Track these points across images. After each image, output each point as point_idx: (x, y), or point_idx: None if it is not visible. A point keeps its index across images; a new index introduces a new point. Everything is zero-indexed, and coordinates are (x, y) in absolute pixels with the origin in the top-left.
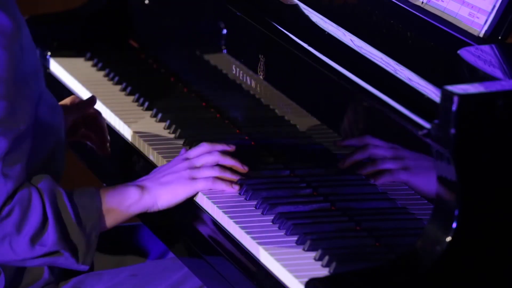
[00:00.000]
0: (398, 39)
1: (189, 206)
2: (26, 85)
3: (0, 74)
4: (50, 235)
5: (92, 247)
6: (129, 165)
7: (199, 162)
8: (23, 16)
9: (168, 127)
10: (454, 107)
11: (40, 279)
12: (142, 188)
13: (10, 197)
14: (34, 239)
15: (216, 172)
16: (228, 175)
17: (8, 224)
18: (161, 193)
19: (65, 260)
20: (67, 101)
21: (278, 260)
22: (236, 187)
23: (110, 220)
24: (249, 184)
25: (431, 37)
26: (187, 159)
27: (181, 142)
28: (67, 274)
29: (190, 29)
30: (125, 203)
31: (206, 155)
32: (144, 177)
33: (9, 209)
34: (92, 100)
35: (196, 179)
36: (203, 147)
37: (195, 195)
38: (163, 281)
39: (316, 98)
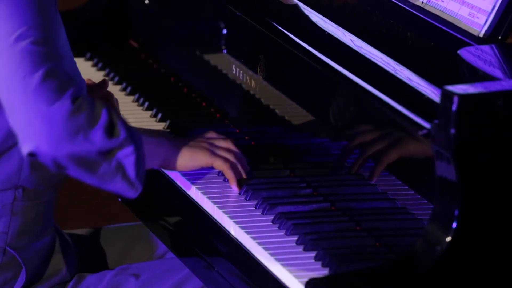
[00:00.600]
0: (398, 39)
1: (189, 206)
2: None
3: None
4: (122, 130)
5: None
6: None
7: (219, 143)
8: None
9: (168, 127)
10: (454, 107)
11: (58, 275)
12: (169, 142)
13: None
14: (107, 130)
15: (232, 157)
16: (239, 168)
17: (80, 117)
18: (184, 153)
19: (126, 168)
20: None
21: (278, 260)
22: (237, 189)
23: (149, 162)
24: (249, 184)
25: (431, 37)
26: (207, 137)
27: None
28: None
29: (190, 29)
30: (158, 150)
31: (224, 141)
32: (169, 136)
33: (79, 104)
34: (104, 83)
35: (215, 154)
36: (221, 136)
37: (196, 195)
38: (166, 281)
39: (316, 98)
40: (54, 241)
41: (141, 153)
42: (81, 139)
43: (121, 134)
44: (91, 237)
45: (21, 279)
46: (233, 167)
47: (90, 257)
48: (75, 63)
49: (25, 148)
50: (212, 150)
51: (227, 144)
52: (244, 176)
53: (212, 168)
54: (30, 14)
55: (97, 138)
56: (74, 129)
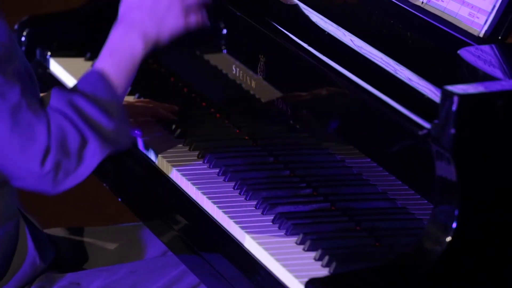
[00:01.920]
0: (398, 39)
1: (189, 206)
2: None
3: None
4: (96, 147)
5: (127, 126)
6: (129, 165)
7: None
8: (24, 16)
9: (168, 127)
10: (454, 107)
11: (29, 262)
12: (144, 38)
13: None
14: (81, 153)
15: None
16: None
17: (54, 156)
18: (162, 32)
19: (116, 148)
20: None
21: (278, 260)
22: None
23: (127, 85)
24: (249, 184)
25: (431, 37)
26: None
27: (181, 142)
28: (59, 263)
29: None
30: (134, 65)
31: None
32: (133, 16)
33: (48, 143)
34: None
35: (188, 14)
36: None
37: (196, 195)
38: (162, 277)
39: (316, 98)
40: (18, 226)
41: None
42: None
43: (94, 149)
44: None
45: None
46: (203, 20)
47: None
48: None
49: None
50: (183, 4)
51: None
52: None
53: (212, 168)
54: None
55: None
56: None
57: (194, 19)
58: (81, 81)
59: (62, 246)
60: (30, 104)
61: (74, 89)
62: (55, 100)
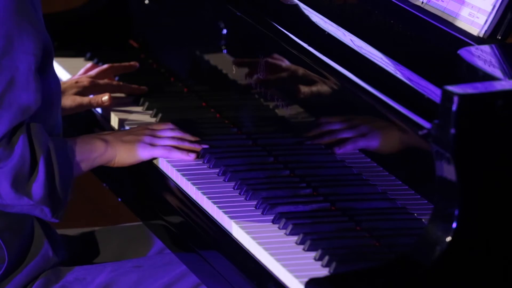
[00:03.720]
0: (398, 39)
1: (189, 206)
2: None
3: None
4: (38, 189)
5: (66, 203)
6: (129, 165)
7: (160, 133)
8: None
9: None
10: (454, 107)
11: (43, 256)
12: (105, 142)
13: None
14: (20, 186)
15: (174, 142)
16: (187, 145)
17: None
18: (121, 150)
19: (41, 213)
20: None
21: (278, 260)
22: (193, 156)
23: (77, 171)
24: (249, 184)
25: (431, 37)
26: (149, 128)
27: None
28: (71, 256)
29: (190, 29)
30: (92, 155)
31: (169, 131)
32: (105, 132)
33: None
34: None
35: (155, 145)
36: (169, 124)
37: (196, 195)
38: (164, 275)
39: (316, 98)
40: (33, 222)
41: (62, 201)
42: None
43: (37, 191)
44: (88, 237)
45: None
46: (178, 148)
47: (87, 257)
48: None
49: None
50: (152, 142)
51: (170, 133)
52: (196, 148)
53: (212, 168)
54: None
55: (5, 192)
56: None
57: (159, 152)
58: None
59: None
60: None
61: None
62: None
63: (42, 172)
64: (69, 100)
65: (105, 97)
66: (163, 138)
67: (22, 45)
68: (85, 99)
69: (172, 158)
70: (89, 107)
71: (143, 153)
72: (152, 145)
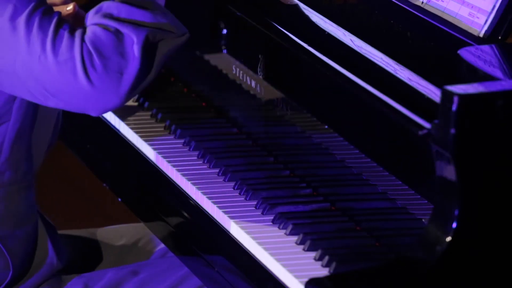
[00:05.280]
0: (398, 39)
1: (189, 206)
2: None
3: None
4: (130, 33)
5: (170, 16)
6: (130, 165)
7: None
8: None
9: (168, 127)
10: (454, 107)
11: (47, 263)
12: None
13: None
14: (121, 49)
15: None
16: None
17: (113, 61)
18: None
19: (159, 32)
20: None
21: (278, 260)
22: None
23: None
24: (249, 184)
25: (431, 37)
26: None
27: (181, 142)
28: (75, 262)
29: (190, 29)
30: None
31: None
32: None
33: (88, 54)
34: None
35: None
36: None
37: (196, 195)
38: (165, 279)
39: (316, 98)
40: (37, 229)
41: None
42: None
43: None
44: (88, 238)
45: (9, 270)
46: None
47: (88, 258)
48: None
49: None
50: None
51: None
52: None
53: (212, 168)
54: None
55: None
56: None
57: None
58: None
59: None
60: (64, 28)
61: None
62: (87, 17)
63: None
64: None
65: (70, 7)
66: None
67: None
68: None
69: None
70: None
71: None
72: None
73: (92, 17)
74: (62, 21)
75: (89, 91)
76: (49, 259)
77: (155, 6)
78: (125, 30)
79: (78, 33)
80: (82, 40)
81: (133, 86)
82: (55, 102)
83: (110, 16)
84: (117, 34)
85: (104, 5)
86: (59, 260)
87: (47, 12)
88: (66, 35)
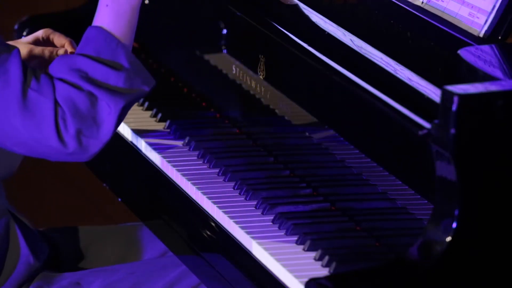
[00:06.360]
0: (398, 39)
1: (189, 206)
2: None
3: None
4: (108, 102)
5: (141, 69)
6: (130, 165)
7: None
8: (24, 16)
9: (168, 127)
10: (454, 107)
11: (23, 262)
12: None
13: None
14: (94, 114)
15: None
16: None
17: (72, 123)
18: None
19: (134, 96)
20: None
21: (278, 260)
22: None
23: (131, 32)
24: (249, 184)
25: (431, 37)
26: None
27: (181, 142)
28: (58, 262)
29: (190, 29)
30: (134, 12)
31: None
32: None
33: (62, 115)
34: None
35: None
36: None
37: (196, 195)
38: (161, 278)
39: (316, 98)
40: (8, 226)
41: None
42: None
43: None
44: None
45: None
46: None
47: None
48: None
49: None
50: None
51: None
52: None
53: (212, 168)
54: None
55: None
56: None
57: None
58: (81, 42)
59: (61, 245)
60: (33, 85)
61: (77, 52)
62: (57, 69)
63: (92, 89)
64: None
65: (70, 49)
66: None
67: None
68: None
69: None
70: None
71: None
72: None
73: (64, 71)
74: (31, 76)
75: (58, 150)
76: (23, 258)
77: (127, 61)
78: (100, 95)
79: (49, 91)
80: (56, 101)
81: (102, 148)
82: (19, 150)
83: (85, 76)
84: (92, 98)
85: (77, 60)
86: (36, 258)
87: (17, 67)
88: (36, 95)
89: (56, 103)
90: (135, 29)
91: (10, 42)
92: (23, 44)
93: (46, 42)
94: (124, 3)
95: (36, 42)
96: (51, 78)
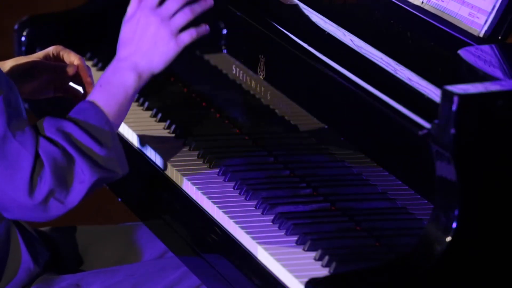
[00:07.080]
0: (398, 39)
1: (189, 206)
2: None
3: None
4: (84, 171)
5: (121, 153)
6: (129, 165)
7: (167, 10)
8: (24, 16)
9: (168, 127)
10: (454, 107)
11: (23, 268)
12: (134, 70)
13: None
14: (69, 178)
15: (189, 15)
16: (200, 7)
17: (45, 184)
18: (153, 61)
19: (108, 174)
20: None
21: (278, 260)
22: (207, 27)
23: (121, 115)
24: (249, 184)
25: (431, 37)
26: (151, 9)
27: (181, 142)
28: (57, 263)
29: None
30: (127, 96)
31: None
32: (124, 52)
33: (39, 171)
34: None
35: (177, 34)
36: None
37: (196, 195)
38: (161, 280)
39: (316, 98)
40: (9, 231)
41: (114, 159)
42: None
43: (85, 174)
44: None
45: None
46: (199, 30)
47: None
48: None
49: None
50: (171, 31)
51: (174, 2)
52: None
53: (212, 167)
54: None
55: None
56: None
57: (187, 36)
58: (73, 110)
59: (61, 245)
60: (17, 135)
61: (66, 117)
62: (45, 127)
63: (77, 156)
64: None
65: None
66: (176, 18)
67: None
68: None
69: (199, 32)
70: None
71: (173, 50)
72: (173, 34)
73: (51, 130)
74: (17, 126)
75: (21, 204)
76: (25, 264)
77: (110, 141)
78: (79, 161)
79: (31, 145)
80: (36, 156)
81: (60, 215)
82: None
83: (69, 140)
84: (70, 162)
85: (66, 124)
86: (36, 263)
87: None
88: (18, 146)
89: (36, 158)
90: (126, 113)
91: (1, 63)
92: (25, 58)
93: (56, 58)
94: (118, 84)
95: (47, 58)
96: (37, 132)
